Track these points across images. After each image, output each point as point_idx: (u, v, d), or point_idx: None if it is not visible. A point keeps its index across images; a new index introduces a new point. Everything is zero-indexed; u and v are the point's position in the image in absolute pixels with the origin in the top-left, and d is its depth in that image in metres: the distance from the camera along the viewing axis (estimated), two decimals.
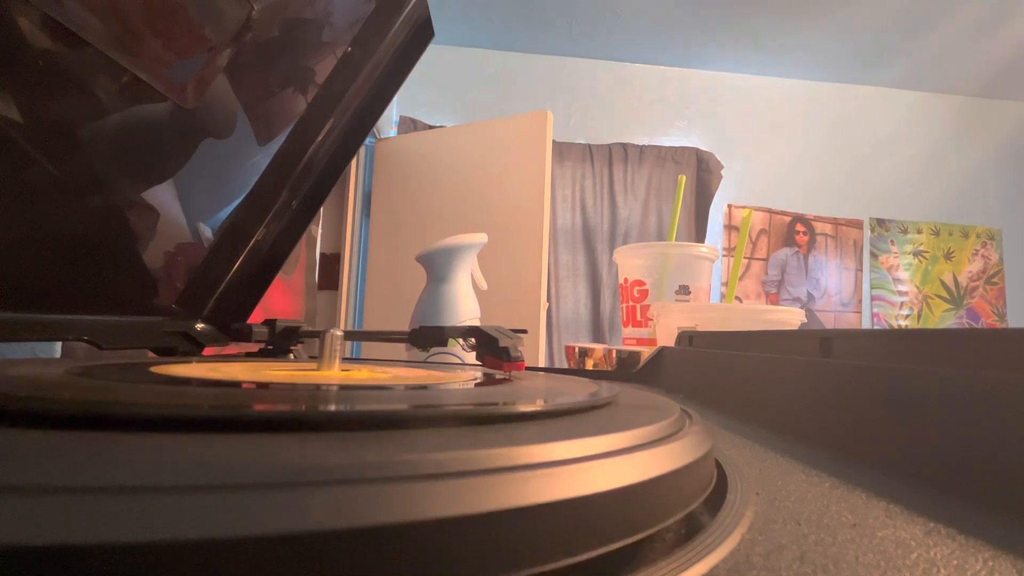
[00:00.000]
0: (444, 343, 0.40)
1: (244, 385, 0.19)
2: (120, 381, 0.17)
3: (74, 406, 0.12)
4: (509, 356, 0.30)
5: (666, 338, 0.55)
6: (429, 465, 0.09)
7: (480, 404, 0.16)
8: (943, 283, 2.75)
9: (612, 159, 2.50)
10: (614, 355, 0.63)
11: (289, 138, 0.45)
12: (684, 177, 0.73)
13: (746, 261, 2.62)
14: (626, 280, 0.71)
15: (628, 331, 0.71)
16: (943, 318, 2.74)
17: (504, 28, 2.41)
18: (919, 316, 2.73)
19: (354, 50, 0.45)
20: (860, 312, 2.71)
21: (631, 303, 0.70)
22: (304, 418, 0.13)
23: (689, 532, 0.12)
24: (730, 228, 2.64)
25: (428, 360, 0.49)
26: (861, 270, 2.73)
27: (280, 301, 1.36)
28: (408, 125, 2.34)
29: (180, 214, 0.40)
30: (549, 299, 2.33)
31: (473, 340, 0.33)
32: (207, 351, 0.46)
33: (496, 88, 2.56)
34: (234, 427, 0.11)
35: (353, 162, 1.76)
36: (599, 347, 0.67)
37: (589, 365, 0.66)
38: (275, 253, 0.48)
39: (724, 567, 0.10)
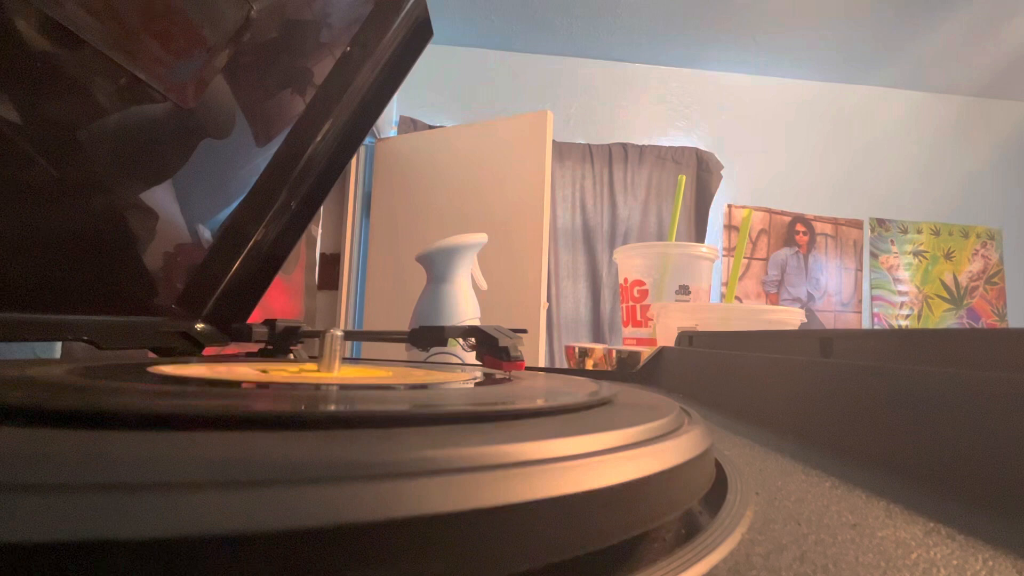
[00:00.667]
0: (444, 343, 0.40)
1: (243, 384, 0.19)
2: (120, 381, 0.17)
3: (74, 406, 0.12)
4: (509, 356, 0.30)
5: (666, 338, 0.55)
6: (428, 462, 0.09)
7: (479, 403, 0.16)
8: (943, 283, 2.75)
9: (612, 159, 2.50)
10: (614, 355, 0.63)
11: (288, 138, 0.45)
12: (684, 177, 0.73)
13: (746, 261, 2.62)
14: (626, 280, 0.71)
15: (628, 331, 0.71)
16: (943, 318, 2.74)
17: (504, 28, 2.41)
18: (919, 316, 2.73)
19: (353, 50, 0.45)
20: (860, 312, 2.71)
21: (631, 303, 0.70)
22: (303, 417, 0.13)
23: (689, 532, 0.12)
24: (730, 228, 2.64)
25: (428, 360, 0.49)
26: (861, 270, 2.73)
27: (280, 301, 1.36)
28: (408, 125, 2.34)
29: (179, 214, 0.40)
30: (549, 299, 2.33)
31: (473, 340, 0.33)
32: (207, 351, 0.46)
33: (496, 88, 2.56)
34: (233, 426, 0.11)
35: (353, 162, 1.76)
36: (599, 347, 0.67)
37: (589, 365, 0.66)
38: (275, 253, 0.48)
39: (724, 567, 0.10)
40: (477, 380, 0.25)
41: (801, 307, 2.44)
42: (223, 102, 0.38)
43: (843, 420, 0.19)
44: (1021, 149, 2.83)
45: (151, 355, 0.42)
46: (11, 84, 0.27)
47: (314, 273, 1.56)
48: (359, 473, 0.08)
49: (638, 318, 0.69)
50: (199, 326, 0.45)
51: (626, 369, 0.48)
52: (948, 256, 2.76)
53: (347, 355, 1.27)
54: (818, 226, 2.70)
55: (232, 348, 0.51)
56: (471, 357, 0.48)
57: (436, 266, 0.53)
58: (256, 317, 0.47)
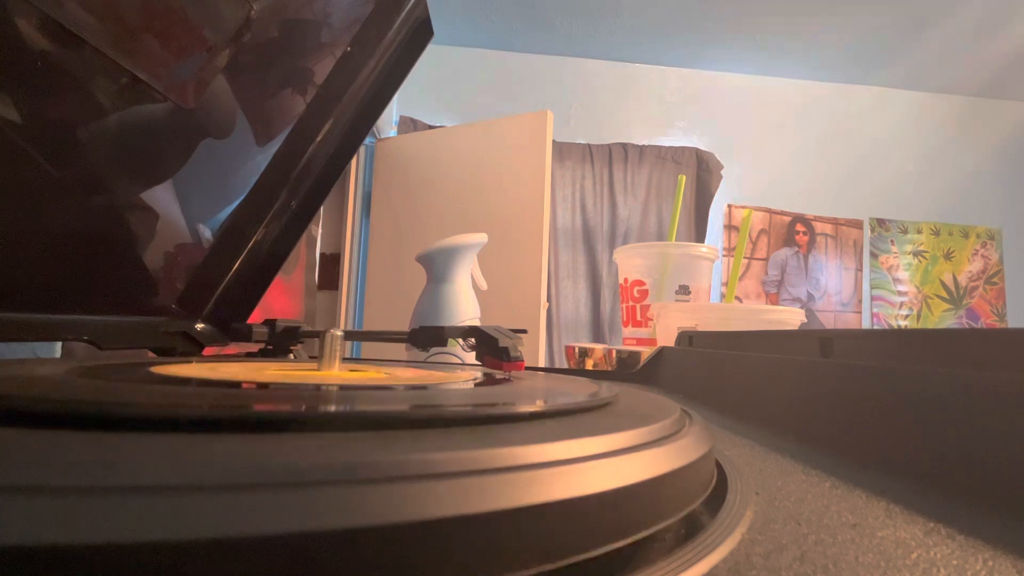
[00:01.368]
0: (444, 343, 0.40)
1: (244, 385, 0.19)
2: (120, 381, 0.17)
3: (74, 406, 0.12)
4: (509, 356, 0.30)
5: (666, 338, 0.55)
6: (427, 465, 0.09)
7: (479, 404, 0.16)
8: (943, 283, 2.75)
9: (612, 159, 2.50)
10: (614, 355, 0.63)
11: (288, 138, 0.45)
12: (684, 177, 0.73)
13: (746, 261, 2.62)
14: (626, 280, 0.71)
15: (628, 331, 0.71)
16: (943, 318, 2.74)
17: (504, 28, 2.41)
18: (919, 316, 2.73)
19: (353, 50, 0.45)
20: (860, 312, 2.71)
21: (631, 303, 0.70)
22: (303, 418, 0.13)
23: (689, 532, 0.12)
24: (730, 228, 2.64)
25: (428, 360, 0.49)
26: (861, 270, 2.73)
27: (280, 301, 1.36)
28: (408, 125, 2.34)
29: (180, 214, 0.40)
30: (549, 299, 2.33)
31: (473, 340, 0.33)
32: (207, 351, 0.46)
33: (496, 88, 2.56)
34: (233, 427, 0.11)
35: (353, 162, 1.76)
36: (599, 347, 0.67)
37: (589, 365, 0.66)
38: (275, 253, 0.48)
39: (724, 567, 0.10)
40: (477, 381, 0.25)
41: (801, 307, 2.44)
42: (223, 102, 0.38)
43: (843, 420, 0.19)
44: (1021, 149, 2.83)
45: (151, 355, 0.42)
46: (11, 84, 0.27)
47: (314, 273, 1.56)
48: (353, 477, 0.08)
49: (638, 318, 0.69)
50: (199, 326, 0.45)
51: (626, 369, 0.48)
52: (948, 256, 2.76)
53: (347, 355, 1.27)
54: (818, 226, 2.70)
55: (232, 348, 0.51)
56: (471, 357, 0.48)
57: (436, 266, 0.53)
58: (256, 317, 0.47)
